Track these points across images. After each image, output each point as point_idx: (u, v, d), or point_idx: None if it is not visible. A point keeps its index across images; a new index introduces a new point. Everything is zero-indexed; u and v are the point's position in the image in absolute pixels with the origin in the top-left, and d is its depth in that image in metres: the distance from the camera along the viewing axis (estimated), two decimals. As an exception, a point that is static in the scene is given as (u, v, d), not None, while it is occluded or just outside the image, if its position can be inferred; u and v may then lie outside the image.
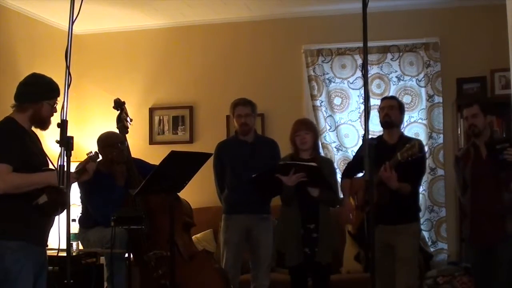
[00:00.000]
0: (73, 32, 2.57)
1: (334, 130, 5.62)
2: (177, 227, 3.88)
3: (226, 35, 5.94)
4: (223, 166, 4.34)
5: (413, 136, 4.94)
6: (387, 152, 3.74)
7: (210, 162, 3.92)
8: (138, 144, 5.52)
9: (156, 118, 6.05)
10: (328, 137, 5.60)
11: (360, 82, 5.59)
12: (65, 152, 2.52)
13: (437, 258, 5.25)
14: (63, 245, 2.71)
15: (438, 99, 5.42)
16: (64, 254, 2.66)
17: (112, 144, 4.22)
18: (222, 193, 4.38)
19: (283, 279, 4.27)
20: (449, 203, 5.36)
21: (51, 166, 3.10)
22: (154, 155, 4.43)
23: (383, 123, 3.96)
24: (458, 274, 4.72)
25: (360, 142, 5.45)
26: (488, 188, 3.72)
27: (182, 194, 4.04)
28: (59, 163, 2.51)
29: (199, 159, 3.77)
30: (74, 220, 4.47)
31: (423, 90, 5.47)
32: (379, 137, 4.05)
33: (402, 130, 4.19)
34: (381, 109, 3.98)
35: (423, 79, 5.47)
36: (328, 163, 4.12)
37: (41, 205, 2.99)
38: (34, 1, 5.26)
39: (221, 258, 4.32)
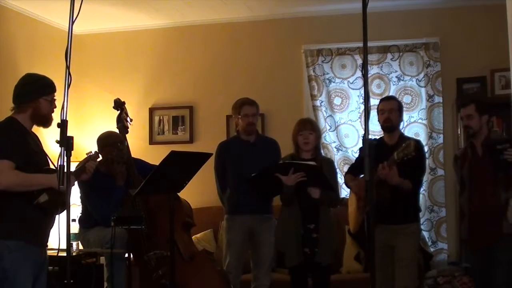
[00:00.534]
0: (73, 32, 2.57)
1: (334, 130, 5.62)
2: (177, 227, 3.88)
3: (226, 35, 5.94)
4: (225, 166, 4.33)
5: (413, 136, 4.95)
6: (387, 153, 3.74)
7: (210, 162, 3.92)
8: (138, 144, 5.52)
9: (156, 118, 6.05)
10: (328, 137, 5.60)
11: (360, 82, 5.59)
12: (65, 152, 2.52)
13: (437, 258, 5.25)
14: (63, 245, 2.71)
15: (438, 99, 5.42)
16: (64, 254, 2.66)
17: (112, 144, 4.22)
18: (223, 193, 4.37)
19: (283, 279, 4.27)
20: (449, 203, 5.36)
21: (51, 166, 3.10)
22: (154, 155, 4.42)
23: (384, 128, 3.95)
24: (458, 274, 4.72)
25: (360, 142, 5.45)
26: (485, 187, 3.72)
27: (182, 194, 4.04)
28: (59, 163, 2.51)
29: (199, 159, 3.77)
30: (74, 220, 4.47)
31: (423, 90, 5.47)
32: (380, 138, 4.04)
33: (402, 130, 4.18)
34: (380, 112, 3.95)
35: (423, 79, 5.47)
36: (328, 163, 4.12)
37: (42, 204, 3.00)
38: (34, 1, 5.26)
39: (223, 258, 4.31)
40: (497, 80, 5.25)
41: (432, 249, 5.30)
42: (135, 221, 3.73)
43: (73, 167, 2.76)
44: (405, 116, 5.20)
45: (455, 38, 5.46)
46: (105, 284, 4.27)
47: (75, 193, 4.54)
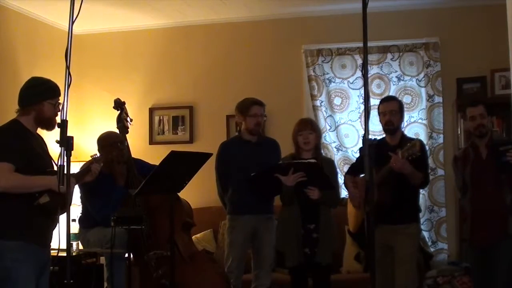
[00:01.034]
0: (73, 32, 2.57)
1: (334, 130, 5.62)
2: (177, 227, 3.88)
3: (226, 35, 5.94)
4: (227, 166, 4.32)
5: (413, 136, 4.95)
6: (388, 153, 3.74)
7: (210, 162, 3.91)
8: (138, 144, 5.51)
9: (156, 118, 6.05)
10: (328, 137, 5.60)
11: (360, 82, 5.59)
12: (65, 152, 2.52)
13: (437, 258, 5.25)
14: (63, 245, 2.71)
15: (438, 99, 5.42)
16: (64, 254, 2.66)
17: (112, 144, 4.23)
18: (225, 193, 4.35)
19: (283, 279, 4.27)
20: (449, 203, 5.36)
21: (55, 168, 3.11)
22: (154, 155, 4.42)
23: (387, 130, 3.94)
24: (458, 274, 4.72)
25: (360, 142, 5.45)
26: (489, 188, 3.72)
27: (182, 194, 4.04)
28: (59, 163, 2.52)
29: (199, 159, 3.77)
30: (74, 220, 4.47)
31: (423, 90, 5.47)
32: (382, 139, 4.03)
33: (402, 130, 4.17)
34: (382, 114, 3.93)
35: (423, 79, 5.47)
36: (329, 163, 4.11)
37: (43, 205, 3.01)
38: (34, 1, 5.26)
39: (225, 258, 4.29)
40: (497, 80, 5.25)
41: (432, 249, 5.30)
42: (135, 221, 3.74)
43: (73, 167, 2.76)
44: (405, 116, 5.19)
45: (455, 38, 5.46)
46: (105, 284, 4.27)
47: (75, 193, 4.54)
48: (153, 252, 3.89)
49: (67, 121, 2.56)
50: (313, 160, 3.79)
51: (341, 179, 4.56)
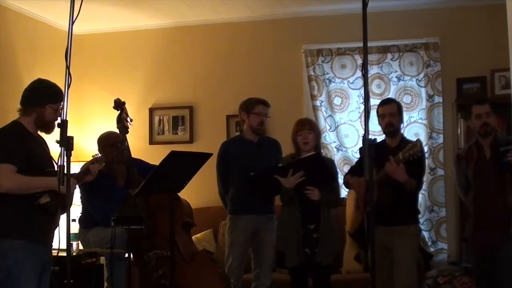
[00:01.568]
0: (73, 32, 2.57)
1: (334, 130, 5.62)
2: (177, 227, 3.88)
3: (226, 35, 5.94)
4: (229, 166, 4.32)
5: (413, 136, 4.96)
6: (388, 155, 3.74)
7: (210, 162, 3.91)
8: (138, 144, 5.51)
9: (156, 118, 6.05)
10: (328, 137, 5.60)
11: (360, 82, 5.59)
12: (65, 152, 2.52)
13: (437, 258, 5.25)
14: (63, 245, 2.72)
15: (438, 99, 5.42)
16: (64, 254, 2.66)
17: (112, 144, 4.23)
18: (226, 193, 4.35)
19: (283, 279, 4.27)
20: (449, 203, 5.36)
21: (56, 169, 3.12)
22: (154, 155, 4.42)
23: (387, 133, 3.93)
24: (458, 274, 4.72)
25: (360, 142, 5.45)
26: (492, 188, 3.69)
27: (182, 194, 4.04)
28: (59, 163, 2.52)
29: (199, 159, 3.77)
30: (74, 220, 4.47)
31: (423, 90, 5.46)
32: (382, 141, 4.02)
33: (402, 132, 4.17)
34: (381, 116, 3.93)
35: (423, 79, 5.47)
36: (329, 163, 4.11)
37: (43, 205, 3.03)
38: (34, 1, 5.26)
39: (225, 258, 4.30)
40: (497, 80, 5.25)
41: (432, 249, 5.30)
42: (135, 221, 3.74)
43: (73, 167, 2.77)
44: (405, 116, 5.19)
45: (455, 38, 5.46)
46: (105, 284, 4.27)
47: (76, 193, 4.53)
48: (153, 252, 3.89)
49: (67, 121, 2.57)
50: (311, 154, 3.78)
51: (341, 179, 4.55)
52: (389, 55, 5.54)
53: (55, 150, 2.79)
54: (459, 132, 5.16)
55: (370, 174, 2.61)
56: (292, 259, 3.81)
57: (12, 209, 3.03)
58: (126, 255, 3.93)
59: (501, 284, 3.65)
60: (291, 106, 5.63)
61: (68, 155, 2.53)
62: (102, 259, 4.30)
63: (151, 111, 6.05)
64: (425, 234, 5.28)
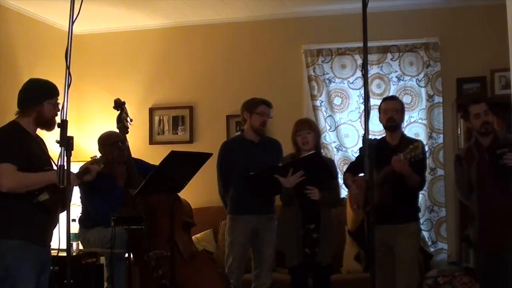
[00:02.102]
0: (73, 32, 2.57)
1: (334, 130, 5.62)
2: (177, 227, 3.88)
3: (226, 35, 5.94)
4: (229, 166, 4.31)
5: (413, 136, 4.95)
6: (389, 153, 3.74)
7: (210, 162, 3.91)
8: (138, 144, 5.52)
9: (156, 118, 6.05)
10: (328, 137, 5.60)
11: (360, 82, 5.59)
12: (65, 152, 2.52)
13: (437, 258, 5.25)
14: (63, 245, 2.72)
15: (438, 99, 5.42)
16: (64, 254, 2.66)
17: (112, 143, 4.23)
18: (226, 193, 4.35)
19: (283, 279, 4.27)
20: (449, 203, 5.36)
21: (54, 168, 3.13)
22: (154, 155, 4.42)
23: (388, 127, 3.94)
24: (458, 274, 4.72)
25: (360, 142, 5.45)
26: (495, 188, 3.66)
27: (182, 194, 4.04)
28: (59, 163, 2.52)
29: (199, 159, 3.77)
30: (74, 220, 4.46)
31: (423, 90, 5.47)
32: (382, 138, 4.04)
33: (403, 130, 4.18)
34: (383, 111, 3.94)
35: (423, 79, 5.47)
36: (329, 163, 4.11)
37: (42, 202, 3.03)
38: (34, 1, 5.26)
39: (225, 258, 4.30)
40: (497, 80, 5.25)
41: (432, 249, 5.30)
42: (135, 221, 3.74)
43: (73, 167, 2.77)
44: (405, 116, 5.19)
45: (455, 38, 5.46)
46: (105, 284, 4.27)
47: (75, 193, 4.54)
48: (153, 252, 3.89)
49: (67, 121, 2.56)
50: (311, 152, 3.78)
51: (341, 179, 4.55)
52: (389, 55, 5.54)
53: (55, 150, 2.79)
54: (459, 132, 5.16)
55: (370, 174, 2.61)
56: (292, 259, 3.81)
57: (11, 209, 3.03)
58: (126, 255, 3.92)
59: (507, 285, 3.62)
60: (291, 106, 5.63)
61: (68, 155, 2.53)
62: (102, 259, 4.30)
63: (151, 111, 6.05)
64: (425, 234, 5.28)
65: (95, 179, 3.50)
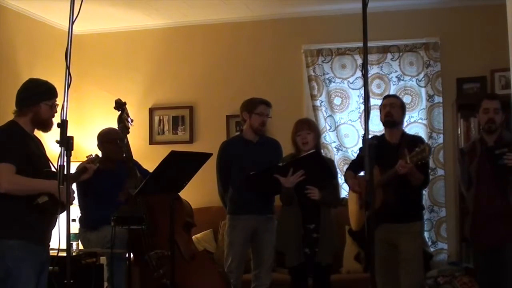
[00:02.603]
0: (73, 32, 2.57)
1: (334, 130, 5.62)
2: (178, 227, 3.88)
3: (226, 35, 5.94)
4: (228, 166, 4.31)
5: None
6: (390, 152, 3.74)
7: (210, 162, 3.91)
8: (138, 144, 5.50)
9: (156, 118, 6.06)
10: (328, 137, 5.60)
11: (360, 82, 5.59)
12: (65, 152, 2.52)
13: (437, 258, 5.25)
14: (63, 245, 2.72)
15: (438, 99, 5.42)
16: (64, 254, 2.66)
17: (110, 140, 4.25)
18: (225, 192, 4.35)
19: (283, 279, 4.27)
20: (449, 203, 5.36)
21: (52, 169, 3.14)
22: (154, 155, 4.42)
23: (385, 122, 3.95)
24: (458, 274, 4.72)
25: (360, 142, 5.45)
26: (492, 187, 3.68)
27: (182, 194, 4.04)
28: (59, 163, 2.52)
29: (199, 159, 3.77)
30: (74, 220, 4.47)
31: (423, 90, 5.47)
32: (381, 136, 4.03)
33: (403, 129, 4.17)
34: (382, 107, 3.96)
35: (423, 79, 5.47)
36: (329, 163, 4.11)
37: (41, 204, 3.03)
38: (34, 1, 5.26)
39: (224, 258, 4.29)
40: (497, 80, 5.25)
41: (432, 249, 5.30)
42: (135, 221, 3.74)
43: (73, 167, 2.77)
44: (405, 116, 5.19)
45: (455, 38, 5.46)
46: (105, 284, 4.27)
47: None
48: (155, 252, 3.89)
49: (67, 121, 2.56)
50: (311, 151, 3.78)
51: (341, 179, 4.56)
52: (389, 55, 5.54)
53: (55, 150, 2.79)
54: (459, 132, 5.16)
55: (370, 174, 2.61)
56: (292, 259, 3.81)
57: (10, 209, 3.03)
58: (127, 255, 3.92)
59: (506, 285, 3.62)
60: (291, 106, 5.63)
61: (68, 155, 2.54)
62: (102, 259, 4.29)
63: (151, 111, 6.05)
64: (425, 234, 5.28)
65: (95, 180, 3.51)
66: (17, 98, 3.21)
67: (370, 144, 2.59)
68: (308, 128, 3.93)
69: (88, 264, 4.04)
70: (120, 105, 4.10)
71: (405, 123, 5.23)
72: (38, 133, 3.32)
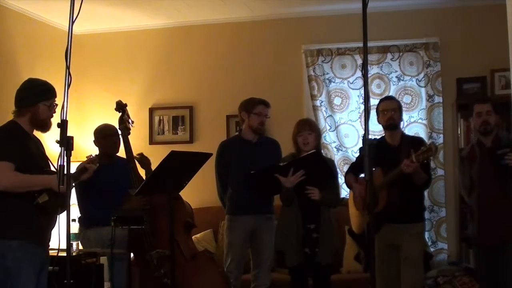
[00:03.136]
0: (73, 32, 2.57)
1: (334, 130, 5.62)
2: (179, 227, 3.88)
3: (226, 35, 5.94)
4: (227, 166, 4.31)
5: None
6: (390, 153, 3.74)
7: (210, 162, 3.91)
8: (138, 144, 5.50)
9: (156, 118, 6.06)
10: (328, 137, 5.60)
11: (360, 82, 5.59)
12: (65, 152, 2.52)
13: (437, 258, 5.25)
14: (63, 245, 2.72)
15: (438, 99, 5.42)
16: (64, 254, 2.66)
17: (105, 136, 4.28)
18: (224, 193, 4.35)
19: (283, 279, 4.27)
20: (449, 203, 5.36)
21: (52, 169, 3.14)
22: (154, 155, 4.41)
23: (388, 126, 3.95)
24: (458, 274, 4.72)
25: (360, 142, 5.45)
26: (496, 188, 3.69)
27: (182, 194, 4.04)
28: (59, 163, 2.52)
29: (199, 159, 3.77)
30: (74, 220, 4.47)
31: (423, 90, 5.47)
32: (382, 138, 4.04)
33: (402, 130, 4.18)
34: (382, 112, 3.96)
35: (423, 79, 5.47)
36: (330, 163, 4.11)
37: (41, 204, 3.03)
38: (34, 1, 5.26)
39: (224, 258, 4.29)
40: (497, 80, 5.25)
41: (432, 249, 5.30)
42: (135, 221, 3.74)
43: (73, 167, 2.77)
44: (405, 116, 5.21)
45: (455, 38, 5.46)
46: (107, 284, 4.27)
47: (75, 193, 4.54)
48: (155, 251, 3.89)
49: (67, 121, 2.56)
50: (311, 151, 3.78)
51: (341, 179, 4.56)
52: (389, 55, 5.54)
53: (55, 150, 2.79)
54: (459, 132, 5.16)
55: (370, 174, 2.61)
56: (292, 259, 3.81)
57: (10, 209, 3.04)
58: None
59: (506, 284, 3.63)
60: (291, 106, 5.63)
61: (68, 155, 2.54)
62: (102, 259, 4.29)
63: (151, 111, 6.05)
64: (425, 234, 5.28)
65: (93, 177, 3.52)
66: (16, 98, 3.22)
67: (370, 144, 2.59)
68: (309, 129, 3.93)
69: (88, 264, 4.04)
70: (121, 107, 4.12)
71: (405, 123, 5.28)
72: (38, 133, 3.32)
